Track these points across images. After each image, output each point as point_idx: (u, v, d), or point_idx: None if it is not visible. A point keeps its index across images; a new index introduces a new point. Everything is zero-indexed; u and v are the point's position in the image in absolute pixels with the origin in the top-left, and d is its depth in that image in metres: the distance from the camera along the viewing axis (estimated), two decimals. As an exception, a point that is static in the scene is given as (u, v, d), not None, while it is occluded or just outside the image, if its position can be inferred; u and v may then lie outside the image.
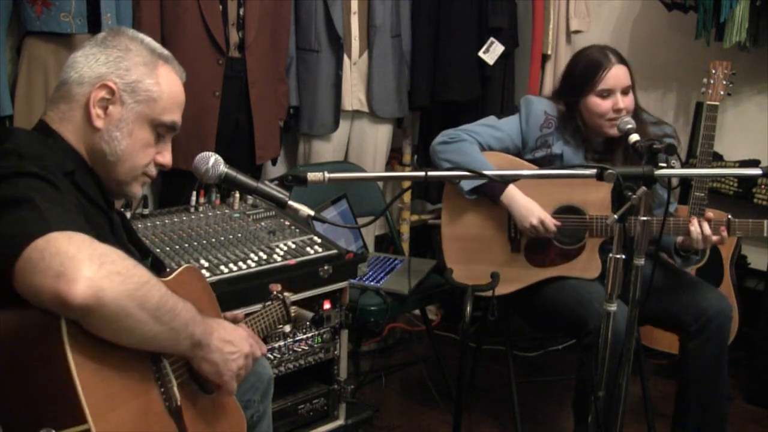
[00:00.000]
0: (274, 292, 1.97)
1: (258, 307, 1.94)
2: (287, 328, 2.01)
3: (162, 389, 1.46)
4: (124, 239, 1.72)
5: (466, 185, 2.68)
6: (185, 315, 1.42)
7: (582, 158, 2.68)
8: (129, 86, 1.59)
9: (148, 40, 1.67)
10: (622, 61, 2.60)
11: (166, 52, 1.68)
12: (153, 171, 1.67)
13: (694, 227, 2.46)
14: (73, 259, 1.22)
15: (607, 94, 2.58)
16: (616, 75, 2.57)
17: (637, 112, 2.65)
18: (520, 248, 2.72)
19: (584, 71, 2.62)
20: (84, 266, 1.22)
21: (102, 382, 1.29)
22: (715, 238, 2.47)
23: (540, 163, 2.72)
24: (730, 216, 2.49)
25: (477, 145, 2.72)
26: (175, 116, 1.65)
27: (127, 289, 1.27)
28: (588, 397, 2.57)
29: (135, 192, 1.68)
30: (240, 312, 1.85)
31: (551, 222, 2.62)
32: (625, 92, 2.59)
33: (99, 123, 1.58)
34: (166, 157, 1.68)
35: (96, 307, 1.24)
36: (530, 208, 2.63)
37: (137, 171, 1.64)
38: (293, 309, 2.00)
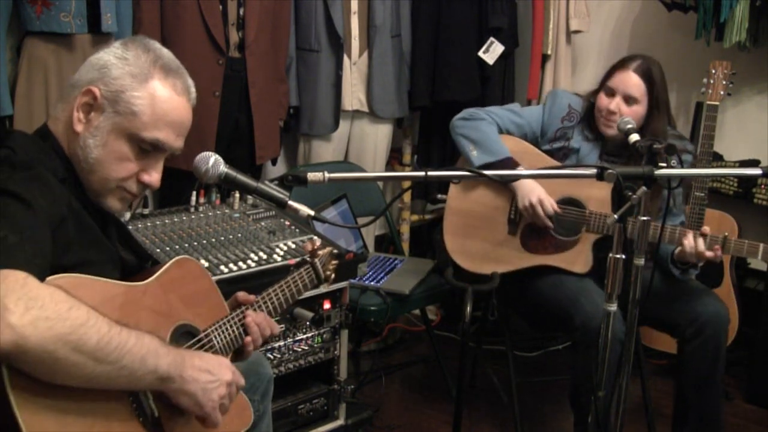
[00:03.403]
0: (308, 255, 1.94)
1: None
2: (324, 288, 1.99)
3: (134, 405, 1.44)
4: (116, 244, 1.69)
5: (477, 161, 2.73)
6: (140, 350, 1.36)
7: (597, 157, 2.70)
8: (112, 95, 1.54)
9: (160, 53, 1.60)
10: (642, 73, 2.59)
11: (173, 66, 1.61)
12: (133, 188, 1.59)
13: (688, 241, 2.45)
14: None
15: (610, 92, 2.64)
16: (623, 79, 2.61)
17: (656, 128, 2.62)
18: (517, 232, 2.75)
19: (610, 66, 2.71)
20: (7, 312, 1.19)
21: (51, 419, 1.27)
22: (708, 254, 2.45)
23: (557, 154, 2.75)
24: (726, 234, 2.47)
25: (496, 127, 2.78)
26: (159, 134, 1.56)
27: (56, 334, 1.23)
28: (581, 394, 2.58)
29: (111, 206, 1.60)
30: (252, 296, 1.81)
31: (550, 205, 2.65)
32: (627, 101, 2.60)
33: (78, 127, 1.55)
34: (152, 177, 1.60)
35: (18, 354, 1.20)
36: (532, 187, 2.67)
37: (110, 184, 1.57)
38: (333, 264, 1.98)
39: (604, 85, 2.66)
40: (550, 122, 2.78)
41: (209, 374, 1.49)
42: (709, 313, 2.56)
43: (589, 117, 2.73)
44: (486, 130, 2.75)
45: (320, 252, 1.96)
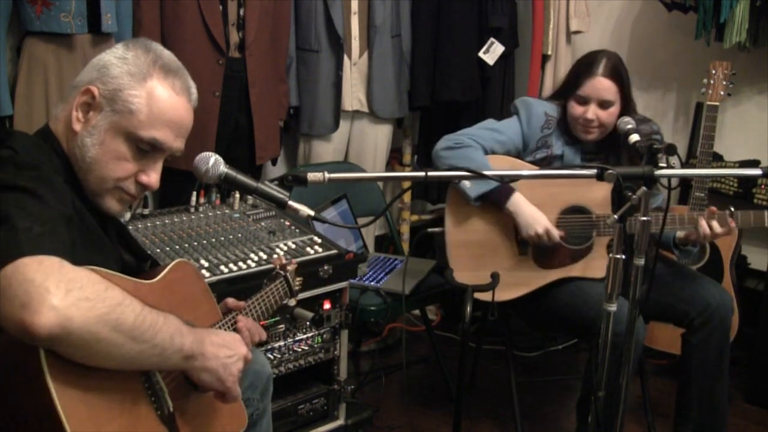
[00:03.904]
0: (277, 267, 1.97)
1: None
2: (292, 302, 2.01)
3: (153, 398, 1.46)
4: (116, 245, 1.69)
5: (473, 192, 2.66)
6: (169, 329, 1.39)
7: (580, 159, 2.69)
8: (110, 93, 1.54)
9: (160, 53, 1.60)
10: (611, 75, 2.57)
11: (174, 66, 1.60)
12: (132, 189, 1.58)
13: (702, 226, 2.48)
14: (40, 287, 1.20)
15: (583, 100, 2.61)
16: (595, 86, 2.58)
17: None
18: (528, 251, 2.71)
19: (572, 74, 2.68)
20: (50, 295, 1.20)
21: (85, 405, 1.28)
22: (721, 230, 2.48)
23: (540, 164, 2.72)
24: (732, 208, 2.49)
25: (482, 150, 2.71)
26: (157, 133, 1.55)
27: (98, 314, 1.25)
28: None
29: (110, 206, 1.59)
30: (242, 302, 1.84)
31: (556, 232, 2.62)
32: (602, 105, 2.59)
33: (77, 127, 1.55)
34: (151, 177, 1.59)
35: (63, 336, 1.21)
36: (536, 217, 2.62)
37: (107, 183, 1.56)
38: (298, 281, 2.00)
39: (575, 94, 2.62)
40: (530, 133, 2.73)
41: (227, 349, 1.53)
42: (716, 302, 2.57)
43: (566, 121, 2.70)
44: (475, 157, 2.68)
45: (289, 267, 1.98)
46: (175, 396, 1.51)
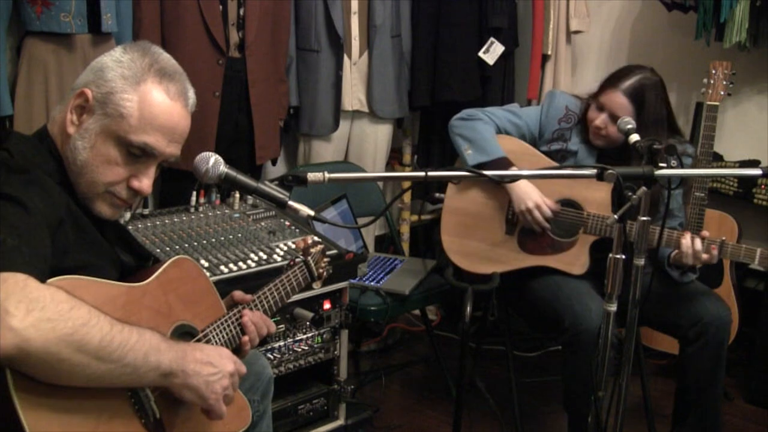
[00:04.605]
0: (300, 253, 1.96)
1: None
2: (317, 285, 1.99)
3: (137, 407, 1.44)
4: (114, 246, 1.68)
5: (471, 160, 2.71)
6: (142, 347, 1.36)
7: (596, 159, 2.68)
8: (102, 96, 1.52)
9: (158, 57, 1.58)
10: (631, 95, 2.54)
11: (170, 70, 1.58)
12: (123, 193, 1.56)
13: (686, 241, 2.46)
14: None
15: (599, 107, 2.61)
16: (610, 98, 2.57)
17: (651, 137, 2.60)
18: (515, 232, 2.75)
19: (607, 76, 2.65)
20: (8, 316, 1.18)
21: (57, 420, 1.27)
22: (705, 256, 2.45)
23: (554, 156, 2.74)
24: (724, 238, 2.48)
25: (493, 127, 2.77)
26: (148, 138, 1.53)
27: (59, 335, 1.23)
28: (573, 397, 2.58)
29: (101, 210, 1.57)
30: (248, 296, 1.82)
31: (547, 208, 2.64)
32: (614, 119, 2.56)
33: (70, 129, 1.53)
34: (143, 183, 1.56)
35: (21, 357, 1.20)
36: (529, 192, 2.66)
37: (98, 188, 1.54)
38: (324, 262, 1.98)
39: (596, 99, 2.63)
40: (546, 123, 2.76)
41: (211, 366, 1.50)
42: (710, 315, 2.55)
43: (586, 121, 2.71)
44: (481, 130, 2.74)
45: (312, 250, 1.97)
46: (164, 402, 1.49)
